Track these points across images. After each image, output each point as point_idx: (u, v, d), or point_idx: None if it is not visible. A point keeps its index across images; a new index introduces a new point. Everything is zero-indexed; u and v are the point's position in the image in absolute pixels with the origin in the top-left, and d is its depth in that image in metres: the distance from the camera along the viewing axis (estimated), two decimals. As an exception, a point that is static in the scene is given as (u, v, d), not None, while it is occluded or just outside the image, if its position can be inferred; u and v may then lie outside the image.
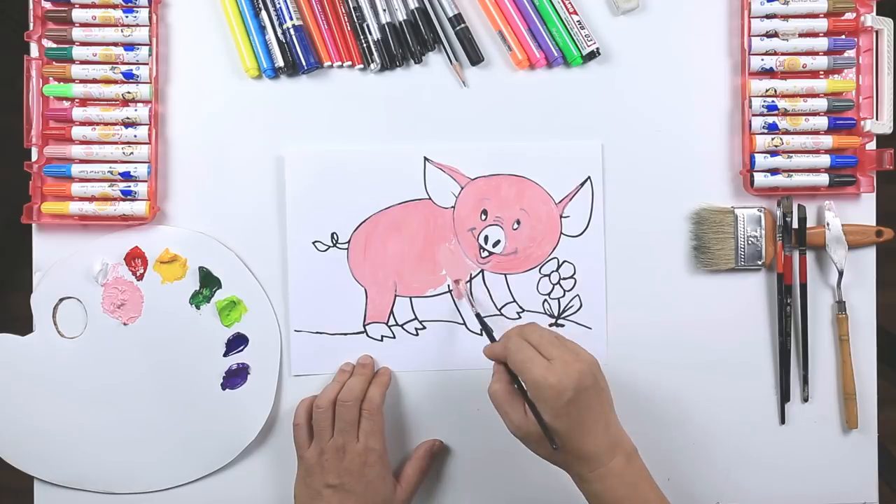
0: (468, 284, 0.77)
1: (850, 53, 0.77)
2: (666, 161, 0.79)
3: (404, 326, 0.78)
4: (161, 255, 0.76)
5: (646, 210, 0.78)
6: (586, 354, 0.64)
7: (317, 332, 0.78)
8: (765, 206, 0.78)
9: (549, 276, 0.78)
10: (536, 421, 0.63)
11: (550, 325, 0.78)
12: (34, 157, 0.76)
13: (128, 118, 0.75)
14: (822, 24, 0.77)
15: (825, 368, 0.79)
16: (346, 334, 0.78)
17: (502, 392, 0.65)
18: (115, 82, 0.76)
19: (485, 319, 0.73)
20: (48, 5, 0.76)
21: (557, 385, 0.61)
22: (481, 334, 0.78)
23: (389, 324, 0.78)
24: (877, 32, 0.76)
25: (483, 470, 0.79)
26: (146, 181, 0.76)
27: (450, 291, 0.78)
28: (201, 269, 0.77)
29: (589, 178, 0.78)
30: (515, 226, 0.78)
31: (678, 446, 0.78)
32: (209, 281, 0.77)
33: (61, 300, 0.76)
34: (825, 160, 0.77)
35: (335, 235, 0.78)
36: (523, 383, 0.64)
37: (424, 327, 0.78)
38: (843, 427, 0.79)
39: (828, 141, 0.77)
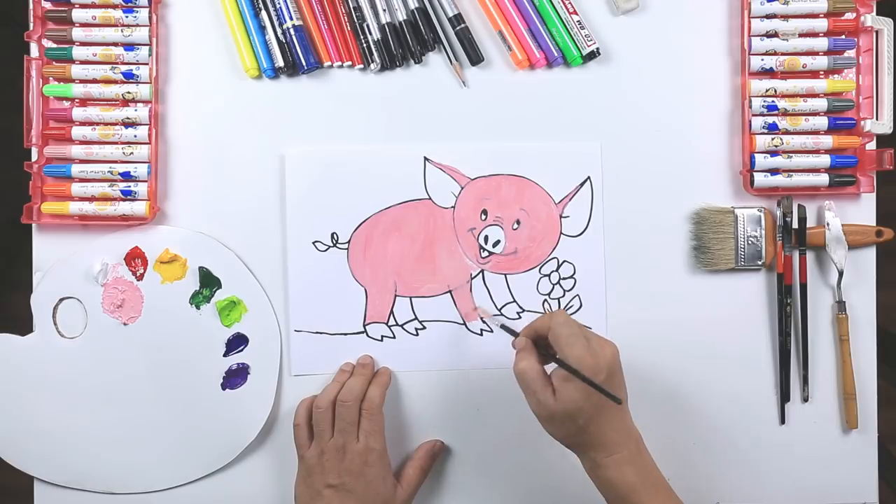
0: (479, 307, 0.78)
1: (850, 53, 0.77)
2: (666, 161, 0.79)
3: (404, 326, 0.78)
4: (161, 255, 0.76)
5: (646, 210, 0.79)
6: (612, 341, 0.66)
7: (317, 332, 0.78)
8: (765, 206, 0.78)
9: (548, 276, 0.78)
10: (585, 390, 0.63)
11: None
12: (34, 157, 0.76)
13: (128, 118, 0.75)
14: (822, 24, 0.77)
15: (825, 368, 0.79)
16: (346, 334, 0.78)
17: (530, 370, 0.65)
18: (115, 82, 0.76)
19: (509, 327, 0.73)
20: (48, 5, 0.76)
21: (594, 366, 0.63)
22: (481, 334, 0.78)
23: (389, 324, 0.78)
24: (877, 32, 0.76)
25: (483, 470, 0.79)
26: (146, 181, 0.76)
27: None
28: (201, 269, 0.77)
29: (588, 178, 0.78)
30: (515, 226, 0.78)
31: (678, 446, 0.78)
32: (209, 281, 0.77)
33: (61, 300, 0.76)
34: (825, 160, 0.77)
35: (335, 235, 0.78)
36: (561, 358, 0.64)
37: (424, 327, 0.78)
38: (843, 427, 0.79)
39: (828, 141, 0.77)
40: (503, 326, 0.73)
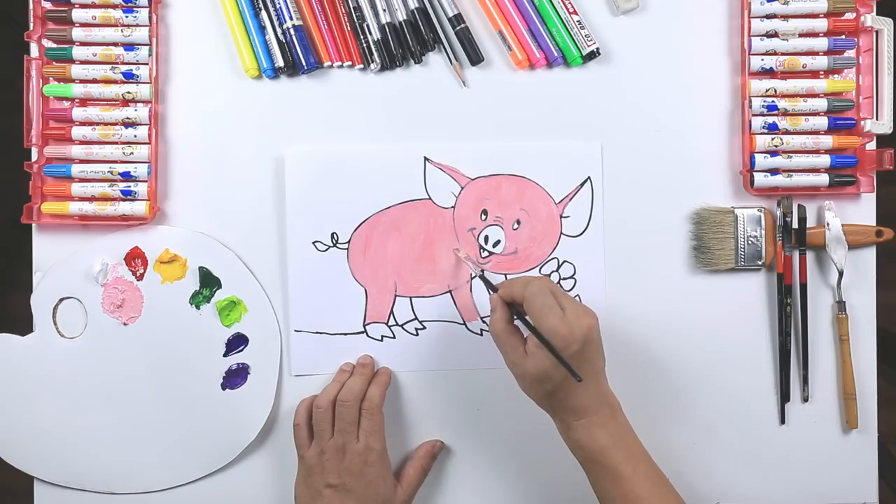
0: (464, 255, 0.77)
1: (850, 53, 0.77)
2: (666, 161, 0.79)
3: (404, 326, 0.78)
4: (161, 255, 0.76)
5: (646, 210, 0.78)
6: (592, 311, 0.66)
7: (317, 332, 0.78)
8: (765, 206, 0.78)
9: (549, 276, 0.78)
10: (555, 358, 0.63)
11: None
12: (34, 157, 0.76)
13: (128, 118, 0.75)
14: (822, 24, 0.77)
15: (825, 368, 0.79)
16: (346, 334, 0.78)
17: (503, 331, 0.66)
18: (115, 82, 0.76)
19: (487, 279, 0.72)
20: (48, 5, 0.76)
21: (568, 336, 0.63)
22: (481, 334, 0.78)
23: (389, 324, 0.78)
24: (877, 32, 0.76)
25: (483, 470, 0.79)
26: (146, 181, 0.76)
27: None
28: (201, 269, 0.77)
29: (589, 177, 0.78)
30: (515, 226, 0.78)
31: (678, 446, 0.78)
32: (209, 281, 0.77)
33: (61, 300, 0.76)
34: (825, 160, 0.77)
35: (335, 235, 0.78)
36: (535, 327, 0.64)
37: (424, 327, 0.78)
38: (843, 427, 0.79)
39: (828, 141, 0.77)
40: (482, 278, 0.72)
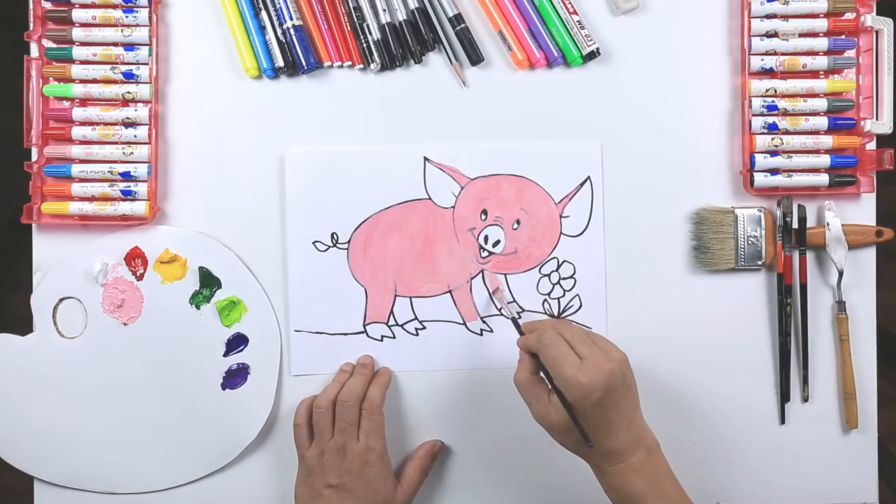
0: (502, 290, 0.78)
1: (850, 53, 0.77)
2: (666, 161, 0.79)
3: (404, 326, 0.78)
4: (161, 255, 0.76)
5: (646, 210, 0.79)
6: (617, 352, 0.64)
7: (317, 332, 0.78)
8: (765, 206, 0.78)
9: (548, 275, 0.78)
10: (570, 417, 0.62)
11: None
12: (34, 157, 0.76)
13: (128, 118, 0.75)
14: (822, 24, 0.77)
15: (825, 368, 0.79)
16: (346, 334, 0.78)
17: (526, 382, 0.66)
18: (115, 82, 0.76)
19: (519, 325, 0.72)
20: (48, 5, 0.76)
21: (587, 385, 0.62)
22: (481, 334, 0.78)
23: (389, 324, 0.78)
24: (877, 32, 0.76)
25: (483, 470, 0.79)
26: (146, 181, 0.76)
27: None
28: (201, 269, 0.77)
29: (589, 177, 0.78)
30: (515, 226, 0.78)
31: (678, 446, 0.78)
32: (209, 281, 0.77)
33: (61, 300, 0.76)
34: (825, 160, 0.77)
35: (335, 235, 0.78)
36: (554, 379, 0.64)
37: (424, 327, 0.78)
38: (843, 427, 0.79)
39: (828, 141, 0.77)
40: (514, 320, 0.72)
